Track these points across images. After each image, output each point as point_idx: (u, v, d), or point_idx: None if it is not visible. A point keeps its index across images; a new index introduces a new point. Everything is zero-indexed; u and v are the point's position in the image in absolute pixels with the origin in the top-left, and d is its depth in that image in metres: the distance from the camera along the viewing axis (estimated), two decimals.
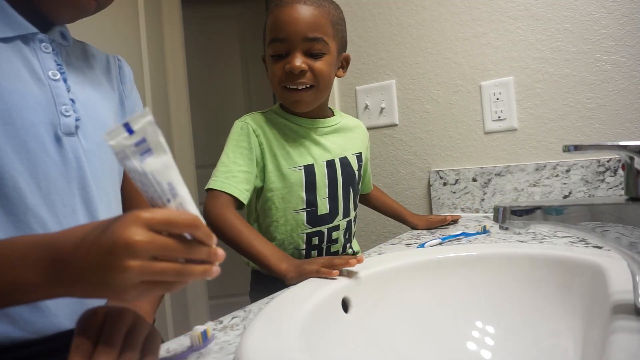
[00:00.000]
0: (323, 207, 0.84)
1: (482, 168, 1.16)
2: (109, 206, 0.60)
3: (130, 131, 0.34)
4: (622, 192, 0.99)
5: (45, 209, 0.51)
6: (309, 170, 0.82)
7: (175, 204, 0.36)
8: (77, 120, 0.56)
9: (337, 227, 0.86)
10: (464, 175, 1.18)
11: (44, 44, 0.55)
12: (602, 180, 1.01)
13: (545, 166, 1.07)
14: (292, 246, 0.84)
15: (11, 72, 0.51)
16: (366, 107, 1.34)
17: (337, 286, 0.56)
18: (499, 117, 1.14)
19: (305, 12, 0.76)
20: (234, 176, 0.77)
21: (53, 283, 0.35)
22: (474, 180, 1.17)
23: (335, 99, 1.39)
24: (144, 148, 0.34)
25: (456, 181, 1.19)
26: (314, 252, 0.85)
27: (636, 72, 0.99)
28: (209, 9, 2.51)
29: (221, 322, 0.51)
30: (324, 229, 0.84)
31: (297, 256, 0.84)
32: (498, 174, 1.14)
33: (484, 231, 0.86)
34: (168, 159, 0.35)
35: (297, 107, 0.82)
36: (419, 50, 1.25)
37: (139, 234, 0.32)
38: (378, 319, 0.57)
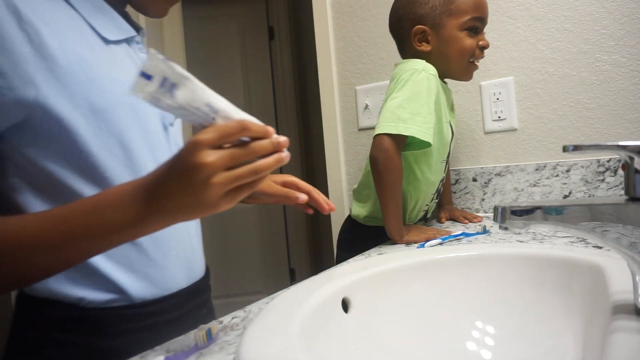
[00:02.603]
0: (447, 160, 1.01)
1: (482, 168, 1.16)
2: None
3: (148, 77, 0.35)
4: (622, 192, 0.99)
5: None
6: (448, 127, 0.96)
7: (222, 118, 0.39)
8: None
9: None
10: (464, 175, 1.18)
11: (139, 45, 0.60)
12: (602, 180, 1.01)
13: (545, 166, 1.07)
14: (430, 190, 0.98)
15: (128, 70, 0.55)
16: (366, 107, 1.34)
17: (337, 286, 0.56)
18: (499, 117, 1.14)
19: None
20: (428, 122, 0.85)
21: (149, 219, 0.40)
22: (474, 180, 1.17)
23: (335, 98, 1.39)
24: (168, 86, 0.35)
25: (456, 181, 1.19)
26: (434, 203, 1.04)
27: (636, 72, 0.99)
28: (209, 9, 2.51)
29: (221, 322, 0.51)
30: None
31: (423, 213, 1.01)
32: (498, 174, 1.14)
33: (484, 231, 0.87)
34: (193, 84, 0.36)
35: (471, 77, 0.95)
36: None
37: (207, 156, 0.37)
38: (378, 319, 0.57)
